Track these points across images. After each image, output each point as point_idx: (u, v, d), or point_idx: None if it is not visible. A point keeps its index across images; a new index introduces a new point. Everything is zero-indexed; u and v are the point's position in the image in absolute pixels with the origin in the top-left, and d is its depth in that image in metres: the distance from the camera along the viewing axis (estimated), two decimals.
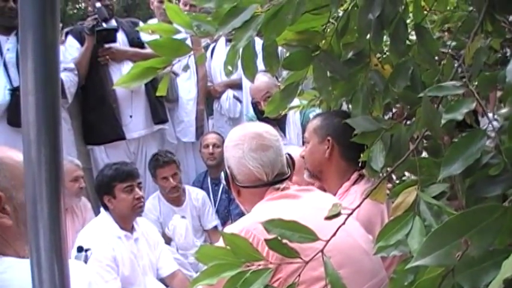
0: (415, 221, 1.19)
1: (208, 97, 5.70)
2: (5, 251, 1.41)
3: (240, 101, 5.45)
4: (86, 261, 2.72)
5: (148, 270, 3.84)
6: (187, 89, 5.36)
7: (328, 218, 1.30)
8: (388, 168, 1.37)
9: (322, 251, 1.22)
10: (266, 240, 1.19)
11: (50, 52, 0.83)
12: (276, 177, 1.97)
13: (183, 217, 4.52)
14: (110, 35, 4.72)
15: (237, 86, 5.45)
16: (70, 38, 4.89)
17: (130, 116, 4.85)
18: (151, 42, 1.39)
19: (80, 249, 2.92)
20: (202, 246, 1.25)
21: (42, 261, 0.85)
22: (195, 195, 4.83)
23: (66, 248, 0.88)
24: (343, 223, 1.25)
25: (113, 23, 4.85)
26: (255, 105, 4.57)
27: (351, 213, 1.26)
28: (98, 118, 4.78)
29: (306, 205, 1.84)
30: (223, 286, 1.19)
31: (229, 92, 5.45)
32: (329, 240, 1.23)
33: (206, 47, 4.83)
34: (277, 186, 1.94)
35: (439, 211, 1.19)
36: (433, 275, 0.94)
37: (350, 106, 2.14)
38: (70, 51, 4.80)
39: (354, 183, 2.42)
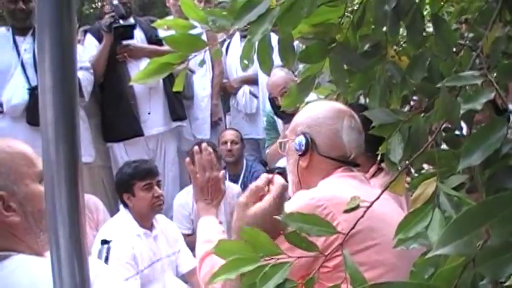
0: (435, 212, 1.18)
1: (224, 93, 5.71)
2: (16, 247, 1.40)
3: (257, 97, 5.44)
4: (108, 254, 2.72)
5: (168, 267, 3.85)
6: (202, 86, 5.37)
7: (347, 211, 1.29)
8: (407, 161, 1.36)
9: (342, 244, 1.21)
10: (285, 235, 1.18)
11: (67, 50, 0.82)
12: (355, 162, 2.03)
13: None
14: (127, 32, 4.73)
15: (253, 81, 5.44)
16: (89, 36, 4.92)
17: (149, 113, 4.86)
18: (167, 37, 1.39)
19: (103, 242, 2.93)
20: (221, 241, 1.24)
21: (62, 259, 0.85)
22: (230, 190, 4.77)
23: (86, 245, 0.88)
24: (362, 216, 1.24)
25: (131, 20, 4.86)
26: (272, 100, 4.55)
27: (370, 206, 1.25)
28: (116, 115, 4.80)
29: (373, 191, 1.84)
30: (242, 281, 1.19)
31: (246, 88, 5.45)
32: (349, 232, 1.22)
33: (221, 43, 4.83)
34: (352, 168, 1.97)
35: (459, 202, 1.18)
36: (454, 265, 0.93)
37: (367, 99, 2.14)
38: (89, 49, 4.82)
39: (373, 176, 2.43)
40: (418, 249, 1.61)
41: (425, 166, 1.89)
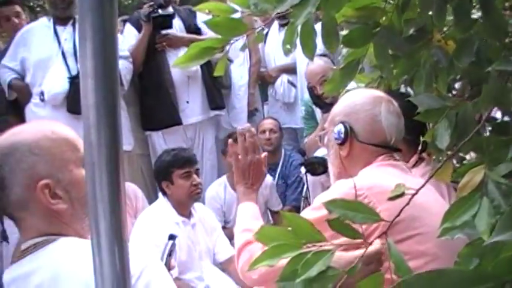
0: (483, 201, 1.14)
1: (262, 82, 5.69)
2: (64, 232, 1.41)
3: (295, 86, 5.41)
4: (172, 249, 2.74)
5: (205, 255, 3.86)
6: (239, 75, 5.36)
7: (391, 198, 1.26)
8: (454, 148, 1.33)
9: (385, 232, 1.18)
10: (328, 221, 1.16)
11: (108, 36, 0.82)
12: (396, 147, 2.01)
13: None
14: (166, 21, 4.74)
15: (291, 70, 5.42)
16: (128, 26, 4.95)
17: (187, 102, 4.87)
18: (209, 21, 1.38)
19: (170, 237, 2.94)
20: (263, 227, 1.23)
21: (102, 244, 0.85)
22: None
23: (126, 230, 0.88)
24: (407, 203, 1.21)
25: (170, 10, 4.86)
26: (311, 89, 4.51)
27: (415, 194, 1.22)
28: (155, 104, 4.82)
29: (415, 180, 1.81)
30: (283, 267, 1.17)
31: (284, 77, 5.43)
32: (392, 221, 1.19)
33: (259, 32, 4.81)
34: (393, 155, 1.95)
35: (508, 191, 1.14)
36: None
37: (408, 88, 2.10)
38: (128, 38, 4.85)
39: (413, 166, 2.39)
40: (460, 240, 1.59)
41: (467, 156, 1.86)
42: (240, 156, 2.12)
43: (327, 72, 4.27)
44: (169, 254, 2.75)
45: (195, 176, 3.76)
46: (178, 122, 4.86)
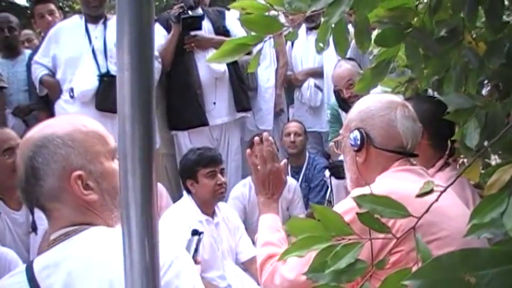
0: (511, 199, 1.16)
1: (289, 86, 5.71)
2: (95, 222, 1.44)
3: (321, 90, 5.42)
4: (198, 245, 2.76)
5: (228, 254, 3.88)
6: (266, 77, 5.38)
7: (420, 195, 1.28)
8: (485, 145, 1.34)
9: (414, 228, 1.20)
10: (358, 214, 1.18)
11: (145, 29, 0.84)
12: (413, 151, 2.00)
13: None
14: (196, 23, 4.77)
15: (318, 74, 5.43)
16: (157, 26, 4.98)
17: (214, 103, 4.90)
18: (244, 18, 1.41)
19: (194, 232, 2.97)
20: (293, 219, 1.25)
21: (132, 234, 0.86)
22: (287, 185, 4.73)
23: (157, 221, 0.89)
24: (436, 200, 1.23)
25: (199, 11, 4.91)
26: (338, 93, 4.53)
27: (444, 191, 1.24)
28: (182, 104, 4.86)
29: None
30: (313, 259, 1.20)
31: (310, 81, 5.44)
32: (421, 217, 1.21)
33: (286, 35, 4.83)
34: (410, 160, 1.96)
35: None
36: None
37: (435, 93, 2.11)
38: (157, 38, 4.88)
39: (439, 170, 2.39)
40: (479, 244, 1.60)
41: (492, 162, 1.86)
42: (258, 166, 2.14)
43: (354, 76, 4.28)
44: (196, 250, 2.78)
45: (219, 175, 3.78)
46: (205, 123, 4.89)
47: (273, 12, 1.47)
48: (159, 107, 4.83)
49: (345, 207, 1.71)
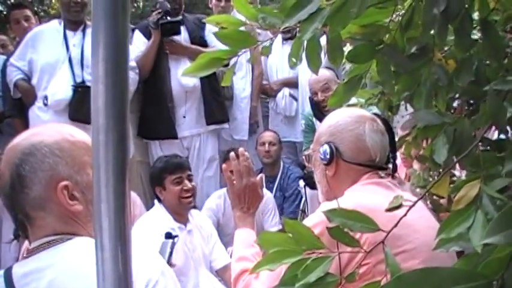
0: (478, 214, 1.18)
1: (264, 95, 5.74)
2: (79, 232, 1.45)
3: (296, 99, 5.47)
4: (172, 249, 2.76)
5: (201, 262, 3.89)
6: (242, 87, 5.40)
7: (389, 210, 1.31)
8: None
9: (383, 242, 1.23)
10: (328, 228, 1.20)
11: (120, 41, 0.85)
12: (382, 164, 2.04)
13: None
14: (175, 28, 4.80)
15: (293, 84, 5.47)
16: (137, 33, 5.00)
17: (184, 117, 4.92)
18: (218, 33, 1.42)
19: (168, 235, 2.97)
20: (265, 233, 1.27)
21: (106, 244, 0.87)
22: None
23: (130, 232, 0.90)
24: (405, 215, 1.26)
25: (179, 17, 4.91)
26: (312, 100, 4.57)
27: (413, 206, 1.27)
28: (154, 114, 4.89)
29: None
30: (283, 273, 1.21)
31: (285, 90, 5.48)
32: (390, 231, 1.23)
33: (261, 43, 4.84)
34: (380, 172, 1.98)
35: (502, 205, 1.18)
36: (501, 255, 0.94)
37: (407, 105, 2.14)
38: (137, 45, 4.90)
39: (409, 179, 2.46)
40: (444, 256, 1.63)
41: (457, 173, 1.90)
42: (234, 181, 2.15)
43: (330, 82, 4.35)
44: (170, 253, 2.78)
45: (186, 181, 3.84)
46: (174, 136, 4.90)
47: (248, 27, 1.49)
48: (134, 113, 4.82)
49: (315, 220, 1.74)
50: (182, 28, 4.90)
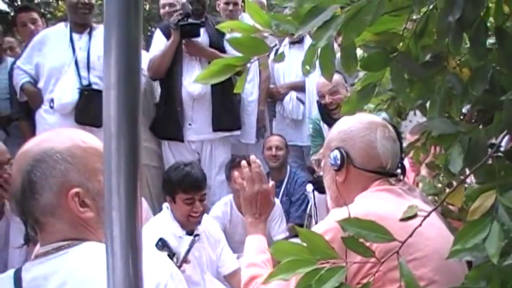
0: (493, 225, 1.18)
1: (271, 99, 5.73)
2: (88, 238, 1.45)
3: (303, 103, 5.46)
4: (191, 246, 2.76)
5: (208, 267, 3.87)
6: (249, 90, 5.39)
7: (403, 219, 1.30)
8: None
9: (397, 252, 1.22)
10: (343, 238, 1.19)
11: (132, 48, 0.84)
12: (393, 172, 2.02)
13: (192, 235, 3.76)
14: (194, 30, 4.79)
15: (300, 88, 5.46)
16: (158, 32, 5.01)
17: (190, 124, 4.91)
18: (232, 39, 1.42)
19: (190, 233, 2.94)
20: (278, 242, 1.26)
21: (117, 252, 0.86)
22: None
23: (141, 239, 0.90)
24: (420, 225, 1.25)
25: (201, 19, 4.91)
26: (320, 104, 4.55)
27: (428, 215, 1.26)
28: (164, 115, 4.89)
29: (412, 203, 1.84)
30: (297, 282, 1.21)
31: (292, 94, 5.47)
32: (405, 241, 1.23)
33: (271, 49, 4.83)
34: (390, 179, 1.97)
35: None
36: None
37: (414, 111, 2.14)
38: (157, 45, 4.94)
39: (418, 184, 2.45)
40: (455, 265, 1.62)
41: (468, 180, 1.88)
42: (246, 188, 2.15)
43: (338, 85, 4.35)
44: (188, 250, 2.76)
45: (198, 203, 3.67)
46: (180, 139, 4.90)
47: (260, 34, 1.48)
48: (145, 115, 4.80)
49: (325, 227, 1.73)
50: (202, 31, 4.88)
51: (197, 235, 2.88)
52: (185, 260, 3.02)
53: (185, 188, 3.64)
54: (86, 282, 1.36)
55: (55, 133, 1.58)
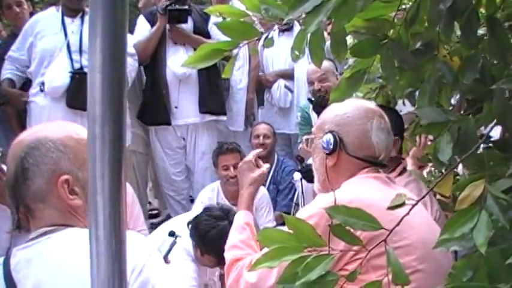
0: (482, 214, 1.17)
1: (259, 87, 5.70)
2: (75, 225, 1.47)
3: (291, 91, 5.43)
4: (172, 247, 2.74)
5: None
6: (238, 78, 5.35)
7: (391, 208, 1.29)
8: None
9: (385, 240, 1.21)
10: (330, 226, 1.18)
11: (118, 31, 0.83)
12: (385, 162, 2.01)
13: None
14: (182, 16, 4.75)
15: (289, 76, 5.43)
16: (141, 19, 4.96)
17: (176, 107, 4.88)
18: (220, 23, 1.40)
19: (171, 233, 2.92)
20: (265, 229, 1.25)
21: (101, 236, 0.86)
22: None
23: (125, 224, 0.89)
24: (407, 213, 1.24)
25: (187, 6, 4.86)
26: (313, 95, 4.53)
27: (415, 205, 1.25)
28: (150, 100, 4.86)
29: (396, 192, 1.83)
30: (284, 270, 1.19)
31: (281, 82, 5.43)
32: (392, 230, 1.22)
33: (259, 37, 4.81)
34: (380, 169, 1.96)
35: (506, 206, 1.17)
36: None
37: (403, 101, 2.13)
38: (141, 31, 4.88)
39: (399, 174, 2.45)
40: (439, 254, 1.62)
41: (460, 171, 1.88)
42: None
43: (328, 72, 4.32)
44: (169, 251, 2.75)
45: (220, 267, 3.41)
46: (167, 122, 4.88)
47: (249, 18, 1.46)
48: (132, 105, 4.78)
49: (310, 212, 1.72)
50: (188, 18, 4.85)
51: (178, 236, 2.83)
52: (165, 261, 2.96)
53: (208, 251, 3.33)
54: (68, 265, 1.38)
55: (51, 124, 1.63)
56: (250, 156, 2.22)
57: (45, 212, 1.46)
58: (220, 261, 3.27)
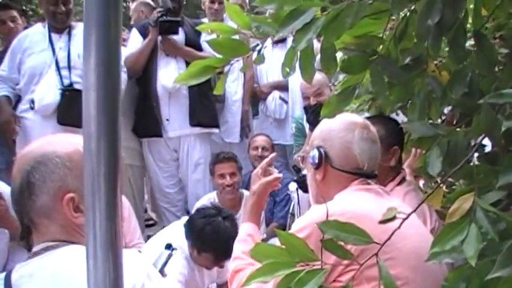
0: (471, 227, 1.19)
1: (254, 98, 5.71)
2: (78, 241, 1.46)
3: (286, 102, 5.45)
4: (168, 259, 2.75)
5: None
6: (233, 90, 5.37)
7: (383, 222, 1.30)
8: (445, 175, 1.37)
9: (377, 254, 1.22)
10: (321, 241, 1.20)
11: (112, 49, 0.84)
12: (371, 172, 2.01)
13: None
14: (173, 27, 4.75)
15: (283, 87, 5.45)
16: (134, 32, 4.96)
17: (167, 120, 4.88)
18: (211, 41, 1.42)
19: (168, 246, 2.91)
20: (257, 244, 1.26)
21: (97, 252, 0.86)
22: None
23: (122, 239, 0.89)
24: (398, 227, 1.25)
25: (179, 18, 4.87)
26: (308, 108, 4.54)
27: (406, 218, 1.26)
28: (142, 113, 4.86)
29: (389, 204, 1.85)
30: (277, 284, 1.21)
31: (275, 93, 5.45)
32: (384, 244, 1.23)
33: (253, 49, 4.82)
34: (368, 180, 1.98)
35: (496, 218, 1.19)
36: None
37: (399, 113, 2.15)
38: (133, 43, 4.87)
39: (398, 184, 2.46)
40: (432, 265, 1.63)
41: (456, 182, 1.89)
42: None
43: (323, 86, 4.32)
44: (165, 264, 2.75)
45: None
46: (159, 134, 4.88)
47: (242, 35, 1.48)
48: (125, 116, 4.77)
49: (302, 223, 1.75)
50: (180, 29, 4.86)
51: (174, 249, 2.83)
52: (161, 274, 2.96)
53: (206, 250, 3.36)
54: (68, 281, 1.38)
55: (57, 137, 1.60)
56: (258, 168, 2.27)
57: (50, 228, 1.45)
58: (217, 259, 3.36)
